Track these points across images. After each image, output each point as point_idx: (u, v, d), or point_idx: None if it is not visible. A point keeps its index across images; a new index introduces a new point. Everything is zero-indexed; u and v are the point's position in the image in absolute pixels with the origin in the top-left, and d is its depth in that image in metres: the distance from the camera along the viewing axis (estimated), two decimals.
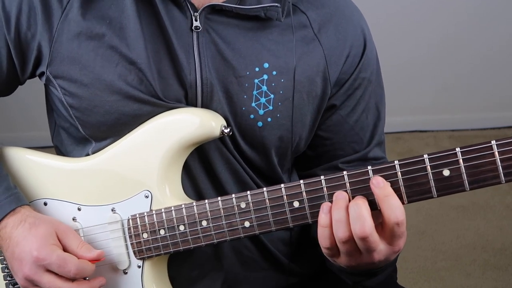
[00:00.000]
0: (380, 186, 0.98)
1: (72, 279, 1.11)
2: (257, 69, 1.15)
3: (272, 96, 1.16)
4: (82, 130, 1.18)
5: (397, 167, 0.99)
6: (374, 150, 1.25)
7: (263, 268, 1.27)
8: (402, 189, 0.99)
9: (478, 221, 2.74)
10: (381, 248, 0.99)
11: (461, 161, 0.96)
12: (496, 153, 0.94)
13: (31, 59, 1.18)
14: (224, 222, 1.09)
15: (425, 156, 0.98)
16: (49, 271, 1.10)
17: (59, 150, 1.30)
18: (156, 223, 1.12)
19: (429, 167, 0.97)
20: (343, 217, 0.98)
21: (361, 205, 0.97)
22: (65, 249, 1.12)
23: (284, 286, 1.29)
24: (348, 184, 1.01)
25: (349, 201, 1.00)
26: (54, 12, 1.15)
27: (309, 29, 1.18)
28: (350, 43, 1.20)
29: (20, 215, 1.13)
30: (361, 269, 1.05)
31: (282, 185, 1.05)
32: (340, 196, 1.00)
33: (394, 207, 0.97)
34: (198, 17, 1.14)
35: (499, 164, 0.94)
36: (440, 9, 3.24)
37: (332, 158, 1.25)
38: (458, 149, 0.96)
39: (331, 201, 1.02)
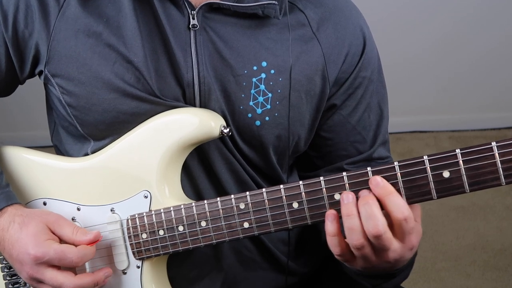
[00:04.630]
0: (380, 185, 0.97)
1: (75, 272, 1.11)
2: (255, 67, 1.15)
3: (270, 95, 1.16)
4: (81, 129, 1.18)
5: (397, 168, 0.98)
6: (379, 150, 1.25)
7: (262, 268, 1.27)
8: (402, 190, 0.99)
9: (478, 222, 2.74)
10: (395, 247, 0.98)
11: (461, 162, 0.96)
12: (497, 155, 0.94)
13: (29, 57, 1.18)
14: (223, 223, 1.09)
15: (425, 157, 0.97)
16: (51, 266, 1.09)
17: (58, 149, 1.30)
18: (155, 223, 1.12)
19: (429, 168, 0.97)
20: (355, 224, 0.97)
21: (371, 204, 0.96)
22: (60, 239, 1.12)
23: (283, 286, 1.29)
24: (348, 185, 1.01)
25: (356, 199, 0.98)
26: (51, 10, 1.15)
27: (308, 28, 1.18)
28: (349, 42, 1.20)
29: (8, 215, 1.13)
30: (378, 270, 1.04)
31: (282, 186, 1.05)
32: (349, 199, 0.98)
33: (397, 204, 0.96)
34: (195, 15, 1.14)
35: (500, 165, 0.94)
36: (440, 9, 3.23)
37: (335, 159, 1.24)
38: (458, 151, 0.96)
39: (330, 203, 1.02)
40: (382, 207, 0.97)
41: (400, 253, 0.99)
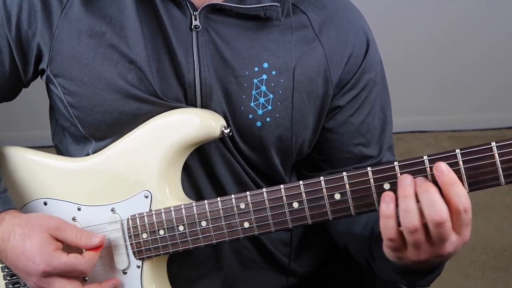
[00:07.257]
0: (445, 173, 0.95)
1: (82, 280, 1.13)
2: (256, 69, 1.15)
3: (271, 96, 1.16)
4: (82, 129, 1.18)
5: (397, 168, 0.99)
6: (386, 155, 1.25)
7: (262, 269, 1.27)
8: None
9: (478, 222, 2.74)
10: (453, 239, 0.96)
11: (461, 162, 0.96)
12: (496, 155, 0.94)
13: (32, 58, 1.17)
14: (223, 222, 1.09)
15: (425, 157, 0.97)
16: (59, 276, 1.10)
17: (59, 149, 1.30)
18: (155, 223, 1.12)
19: (428, 168, 0.97)
20: (412, 206, 0.94)
21: (433, 191, 0.94)
22: (65, 244, 1.12)
23: (283, 287, 1.29)
24: (348, 186, 1.01)
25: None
26: (54, 10, 1.15)
27: (310, 29, 1.18)
28: (352, 43, 1.19)
29: (6, 225, 1.11)
30: (428, 265, 1.01)
31: (282, 185, 1.05)
32: (407, 181, 0.96)
33: (460, 194, 0.94)
34: (197, 16, 1.14)
35: (499, 165, 0.94)
36: (441, 8, 3.23)
37: (339, 162, 1.24)
38: (458, 151, 0.96)
39: (331, 203, 1.02)
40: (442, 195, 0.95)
41: (456, 246, 0.97)
